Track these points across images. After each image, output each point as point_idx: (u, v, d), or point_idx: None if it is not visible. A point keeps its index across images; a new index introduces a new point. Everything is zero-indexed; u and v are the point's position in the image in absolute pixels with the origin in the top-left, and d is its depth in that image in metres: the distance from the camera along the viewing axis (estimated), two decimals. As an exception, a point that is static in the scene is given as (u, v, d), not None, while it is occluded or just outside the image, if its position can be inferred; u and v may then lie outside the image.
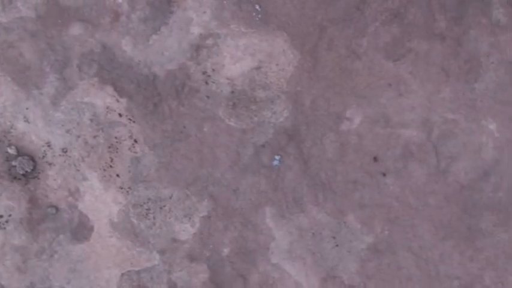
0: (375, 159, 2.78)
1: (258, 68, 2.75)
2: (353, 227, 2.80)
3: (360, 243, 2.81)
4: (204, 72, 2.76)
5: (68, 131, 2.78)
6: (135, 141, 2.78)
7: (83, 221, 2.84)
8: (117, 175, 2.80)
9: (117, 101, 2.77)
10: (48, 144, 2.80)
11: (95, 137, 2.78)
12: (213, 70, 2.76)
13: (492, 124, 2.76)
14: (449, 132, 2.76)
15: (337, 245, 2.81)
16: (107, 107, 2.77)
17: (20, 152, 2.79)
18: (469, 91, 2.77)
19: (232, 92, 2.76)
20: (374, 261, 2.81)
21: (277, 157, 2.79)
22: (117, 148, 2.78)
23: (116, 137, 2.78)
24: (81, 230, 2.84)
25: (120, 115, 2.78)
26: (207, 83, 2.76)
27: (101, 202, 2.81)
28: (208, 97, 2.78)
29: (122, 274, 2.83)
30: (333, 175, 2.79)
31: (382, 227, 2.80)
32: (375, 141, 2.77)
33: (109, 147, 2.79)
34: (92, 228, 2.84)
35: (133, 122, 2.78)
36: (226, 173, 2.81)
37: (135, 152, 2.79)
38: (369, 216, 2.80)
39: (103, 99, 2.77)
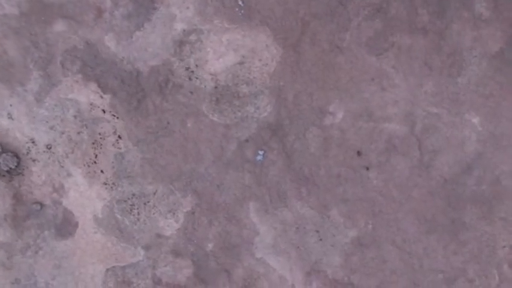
0: (358, 153, 2.79)
1: (241, 63, 2.75)
2: (336, 221, 2.81)
3: (344, 237, 2.81)
4: (188, 68, 2.77)
5: (52, 128, 2.79)
6: (119, 137, 2.79)
7: (68, 217, 2.85)
8: (101, 171, 2.80)
9: (101, 97, 2.78)
10: (32, 141, 2.80)
11: (78, 133, 2.79)
12: (197, 66, 2.77)
13: (475, 118, 2.76)
14: (432, 126, 2.77)
15: (320, 239, 2.82)
16: (91, 104, 2.78)
17: (4, 149, 2.80)
18: (451, 85, 2.77)
19: (216, 87, 2.77)
20: (358, 255, 2.82)
21: (260, 152, 2.80)
22: (101, 144, 2.79)
23: (99, 133, 2.79)
24: (66, 226, 2.85)
25: (103, 111, 2.78)
26: (190, 78, 2.77)
27: (85, 198, 2.82)
28: (191, 93, 2.78)
29: (107, 270, 2.85)
30: (316, 169, 2.80)
31: (366, 221, 2.81)
32: (358, 136, 2.78)
33: (93, 143, 2.79)
34: (76, 224, 2.85)
35: (117, 118, 2.79)
36: (210, 168, 2.81)
37: (119, 148, 2.80)
38: (353, 210, 2.81)
39: (87, 95, 2.78)
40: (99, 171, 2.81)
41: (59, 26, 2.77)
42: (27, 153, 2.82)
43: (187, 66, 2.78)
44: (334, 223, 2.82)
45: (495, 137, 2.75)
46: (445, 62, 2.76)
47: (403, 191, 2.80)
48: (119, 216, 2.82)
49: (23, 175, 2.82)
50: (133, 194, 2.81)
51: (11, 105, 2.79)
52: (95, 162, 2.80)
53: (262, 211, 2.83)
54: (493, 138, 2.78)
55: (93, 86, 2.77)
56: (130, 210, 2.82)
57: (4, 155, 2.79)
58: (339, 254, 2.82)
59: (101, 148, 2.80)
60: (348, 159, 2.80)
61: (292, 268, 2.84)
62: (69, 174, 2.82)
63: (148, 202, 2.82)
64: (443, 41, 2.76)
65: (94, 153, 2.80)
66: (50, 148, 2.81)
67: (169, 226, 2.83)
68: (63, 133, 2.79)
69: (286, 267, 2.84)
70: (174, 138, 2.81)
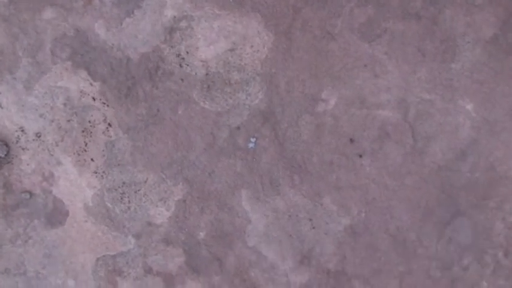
0: (351, 140, 2.76)
1: (232, 49, 2.73)
2: (329, 209, 2.78)
3: (337, 225, 2.79)
4: (178, 55, 2.74)
5: (41, 116, 2.76)
6: (109, 125, 2.76)
7: (58, 206, 2.82)
8: (92, 159, 2.78)
9: (91, 84, 2.75)
10: (22, 129, 2.77)
11: (68, 121, 2.76)
12: (187, 53, 2.74)
13: (469, 104, 2.74)
14: (426, 112, 2.74)
15: (313, 227, 2.79)
16: (81, 91, 2.75)
17: (-7, 137, 2.78)
18: (445, 71, 2.74)
19: (207, 74, 2.74)
20: (351, 243, 2.79)
21: (252, 139, 2.77)
22: (91, 132, 2.76)
23: (89, 121, 2.76)
24: (56, 215, 2.82)
25: (93, 99, 2.76)
26: (181, 65, 2.74)
27: (75, 187, 2.79)
28: (182, 80, 2.76)
29: (97, 259, 2.82)
30: (308, 157, 2.77)
31: (359, 209, 2.78)
32: (351, 123, 2.75)
33: (83, 131, 2.76)
34: (66, 213, 2.82)
35: (107, 105, 2.76)
36: (202, 156, 2.79)
37: (109, 136, 2.77)
38: (346, 198, 2.78)
39: (76, 83, 2.75)
40: (89, 159, 2.78)
41: (48, 13, 2.75)
42: (17, 141, 2.79)
43: (177, 53, 2.75)
44: (327, 211, 2.79)
45: (489, 123, 2.72)
46: (439, 48, 2.74)
47: (397, 178, 2.78)
48: (109, 205, 2.80)
49: (12, 164, 2.79)
50: (124, 183, 2.78)
51: (0, 93, 2.76)
52: (85, 150, 2.77)
53: (254, 199, 2.80)
54: (487, 125, 2.75)
55: (83, 73, 2.74)
56: (121, 198, 2.79)
57: (-7, 143, 2.76)
58: (332, 242, 2.80)
59: (91, 136, 2.77)
60: (340, 147, 2.77)
61: (285, 256, 2.81)
62: (59, 163, 2.79)
63: (139, 190, 2.79)
64: (436, 26, 2.74)
65: (84, 141, 2.77)
66: (40, 136, 2.78)
67: (160, 214, 2.80)
68: (52, 121, 2.77)
69: (279, 256, 2.82)
70: (164, 125, 2.78)
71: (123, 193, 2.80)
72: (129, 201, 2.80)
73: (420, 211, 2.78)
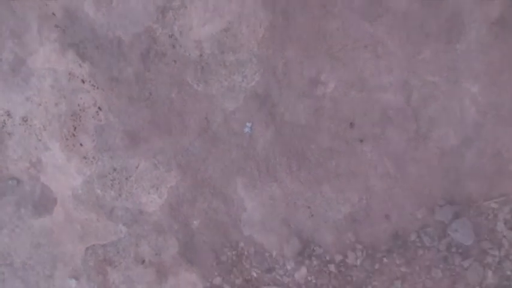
0: (351, 125, 2.64)
1: (227, 29, 2.61)
2: (329, 197, 2.67)
3: (337, 213, 2.67)
4: (171, 36, 2.63)
5: (28, 99, 2.65)
6: (99, 108, 2.65)
7: (46, 193, 2.71)
8: (81, 144, 2.67)
9: (80, 66, 2.64)
10: (8, 113, 2.67)
11: (56, 104, 2.65)
12: (180, 33, 2.62)
13: (474, 87, 2.61)
14: (430, 95, 2.62)
15: (312, 215, 2.67)
16: (69, 73, 2.64)
17: (-22, 121, 2.66)
18: (450, 52, 2.62)
19: (201, 55, 2.62)
20: (351, 232, 2.68)
21: (248, 124, 2.65)
22: (80, 116, 2.65)
23: (78, 105, 2.65)
24: (44, 203, 2.72)
25: (83, 81, 2.64)
26: (174, 46, 2.63)
27: (63, 173, 2.68)
28: (175, 61, 2.64)
29: (87, 248, 2.71)
30: (307, 142, 2.66)
31: (360, 197, 2.66)
32: (351, 106, 2.64)
33: (72, 115, 2.65)
34: (55, 201, 2.71)
35: (97, 88, 2.64)
36: (195, 142, 2.67)
37: (100, 120, 2.65)
38: (346, 185, 2.66)
39: (65, 64, 2.64)
40: (79, 144, 2.67)
41: (36, -8, 2.63)
42: (3, 126, 2.68)
43: (170, 33, 2.63)
44: (326, 198, 2.68)
45: (496, 107, 2.60)
46: (443, 28, 2.62)
47: (399, 165, 2.66)
48: (99, 192, 2.69)
49: (-2, 149, 2.68)
50: (115, 169, 2.68)
51: (-16, 76, 2.65)
52: (73, 135, 2.66)
53: (250, 186, 2.69)
54: (493, 109, 2.63)
55: (72, 54, 2.63)
56: (111, 185, 2.68)
57: (-23, 127, 2.65)
58: (331, 231, 2.68)
59: (80, 120, 2.66)
60: (340, 132, 2.66)
61: (283, 246, 2.70)
62: (46, 148, 2.68)
63: (130, 177, 2.68)
64: (441, 5, 2.61)
65: (73, 126, 2.66)
66: (26, 121, 2.67)
67: (153, 202, 2.70)
68: (40, 104, 2.65)
69: (276, 245, 2.70)
70: (157, 109, 2.67)
71: (114, 180, 2.69)
72: (119, 188, 2.69)
73: (423, 199, 2.66)
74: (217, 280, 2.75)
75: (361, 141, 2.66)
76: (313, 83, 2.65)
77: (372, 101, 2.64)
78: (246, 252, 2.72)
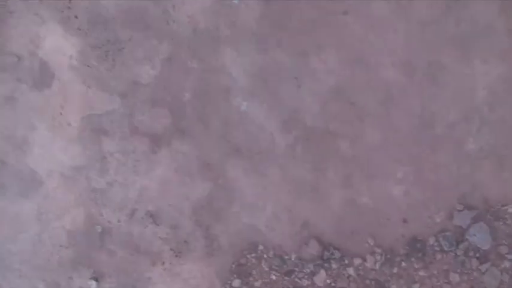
0: (337, -3, 2.71)
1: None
2: (316, 68, 2.75)
3: (323, 84, 2.76)
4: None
5: (25, -26, 2.74)
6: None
7: (44, 68, 2.82)
8: (75, 16, 2.78)
9: None
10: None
11: (51, -20, 2.74)
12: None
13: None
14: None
15: (299, 86, 2.77)
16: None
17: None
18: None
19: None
20: (337, 103, 2.77)
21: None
22: (75, -10, 2.74)
23: (73, -20, 2.74)
24: (43, 77, 2.82)
25: (77, -44, 2.72)
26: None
27: (59, 45, 2.78)
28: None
29: (82, 118, 2.83)
30: (295, 14, 2.72)
31: (345, 68, 2.74)
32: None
33: (66, -11, 2.74)
34: (52, 75, 2.82)
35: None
36: (187, 12, 2.75)
37: (93, -5, 2.74)
38: (332, 57, 2.75)
39: None
40: (73, 16, 2.77)
41: None
42: (4, 6, 2.77)
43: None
44: (313, 70, 2.76)
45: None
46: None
47: (382, 36, 2.72)
48: (94, 63, 2.79)
49: (-2, 28, 2.78)
50: (108, 40, 2.78)
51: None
52: (68, 7, 2.77)
53: (236, 56, 2.76)
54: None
55: None
56: (105, 56, 2.78)
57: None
58: (317, 101, 2.78)
59: (74, -5, 2.75)
60: (324, 3, 2.72)
61: (270, 115, 2.81)
62: (44, 22, 2.77)
63: (123, 48, 2.78)
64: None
65: (68, -1, 2.75)
66: (24, -5, 2.76)
67: (146, 73, 2.79)
68: (36, -22, 2.74)
69: (264, 115, 2.81)
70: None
71: (108, 51, 2.79)
72: (113, 60, 2.79)
73: (407, 67, 2.71)
74: (236, 282, 2.86)
75: (346, 13, 2.73)
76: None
77: None
78: (234, 122, 2.81)
